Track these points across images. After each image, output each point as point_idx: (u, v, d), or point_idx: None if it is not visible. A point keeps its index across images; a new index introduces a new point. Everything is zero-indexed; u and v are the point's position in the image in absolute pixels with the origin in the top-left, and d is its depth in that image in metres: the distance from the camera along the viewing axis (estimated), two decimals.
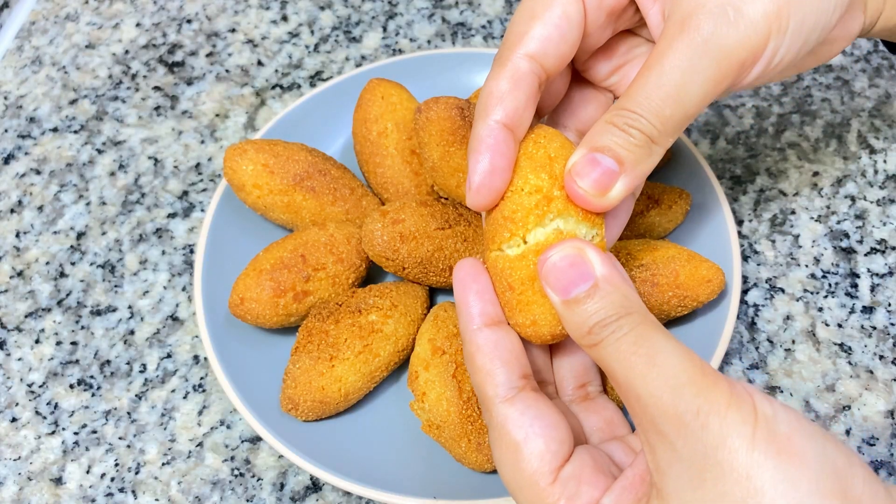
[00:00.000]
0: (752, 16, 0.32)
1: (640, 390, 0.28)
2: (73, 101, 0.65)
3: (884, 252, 0.53)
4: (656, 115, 0.32)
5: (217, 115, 0.63)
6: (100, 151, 0.62)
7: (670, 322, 0.47)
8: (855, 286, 0.52)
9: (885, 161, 0.57)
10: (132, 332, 0.53)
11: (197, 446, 0.48)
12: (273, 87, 0.65)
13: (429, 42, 0.67)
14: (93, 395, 0.51)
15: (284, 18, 0.69)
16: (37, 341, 0.53)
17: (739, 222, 0.55)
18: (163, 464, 0.48)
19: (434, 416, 0.42)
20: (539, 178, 0.34)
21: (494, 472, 0.43)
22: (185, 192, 0.59)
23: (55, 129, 0.63)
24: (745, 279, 0.53)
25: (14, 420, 0.50)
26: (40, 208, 0.59)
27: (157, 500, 0.47)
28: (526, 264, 0.34)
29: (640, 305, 0.31)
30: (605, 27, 0.38)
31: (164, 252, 0.56)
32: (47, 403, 0.50)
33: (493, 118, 0.34)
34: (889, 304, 0.51)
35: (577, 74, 0.41)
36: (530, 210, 0.34)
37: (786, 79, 0.38)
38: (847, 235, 0.54)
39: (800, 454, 0.26)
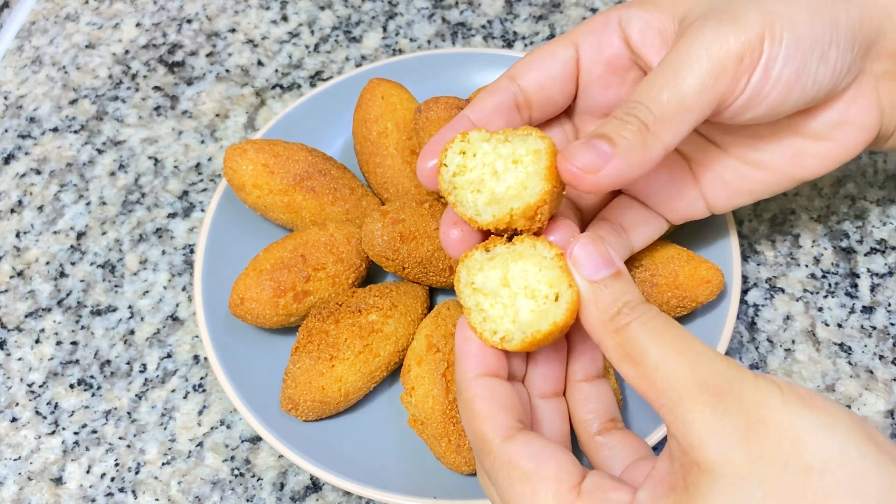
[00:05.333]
0: (747, 18, 0.36)
1: (676, 364, 0.30)
2: (73, 101, 0.65)
3: (884, 252, 0.53)
4: (653, 100, 0.35)
5: (217, 115, 0.63)
6: (100, 151, 0.62)
7: None
8: (855, 286, 0.52)
9: (884, 161, 0.57)
10: (132, 332, 0.53)
11: (197, 446, 0.48)
12: (273, 87, 0.65)
13: (429, 42, 0.67)
14: (93, 395, 0.51)
15: (284, 18, 0.69)
16: (37, 341, 0.53)
17: (739, 222, 0.55)
18: (163, 464, 0.48)
19: (419, 411, 0.43)
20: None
21: (472, 474, 0.43)
22: (185, 192, 0.59)
23: (55, 129, 0.63)
24: (744, 279, 0.53)
25: (14, 420, 0.50)
26: (40, 208, 0.59)
27: (157, 499, 0.47)
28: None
29: None
30: (607, 82, 0.41)
31: (164, 252, 0.56)
32: (47, 403, 0.50)
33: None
34: (889, 304, 0.51)
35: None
36: None
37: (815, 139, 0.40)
38: (847, 235, 0.54)
39: (826, 408, 0.28)
